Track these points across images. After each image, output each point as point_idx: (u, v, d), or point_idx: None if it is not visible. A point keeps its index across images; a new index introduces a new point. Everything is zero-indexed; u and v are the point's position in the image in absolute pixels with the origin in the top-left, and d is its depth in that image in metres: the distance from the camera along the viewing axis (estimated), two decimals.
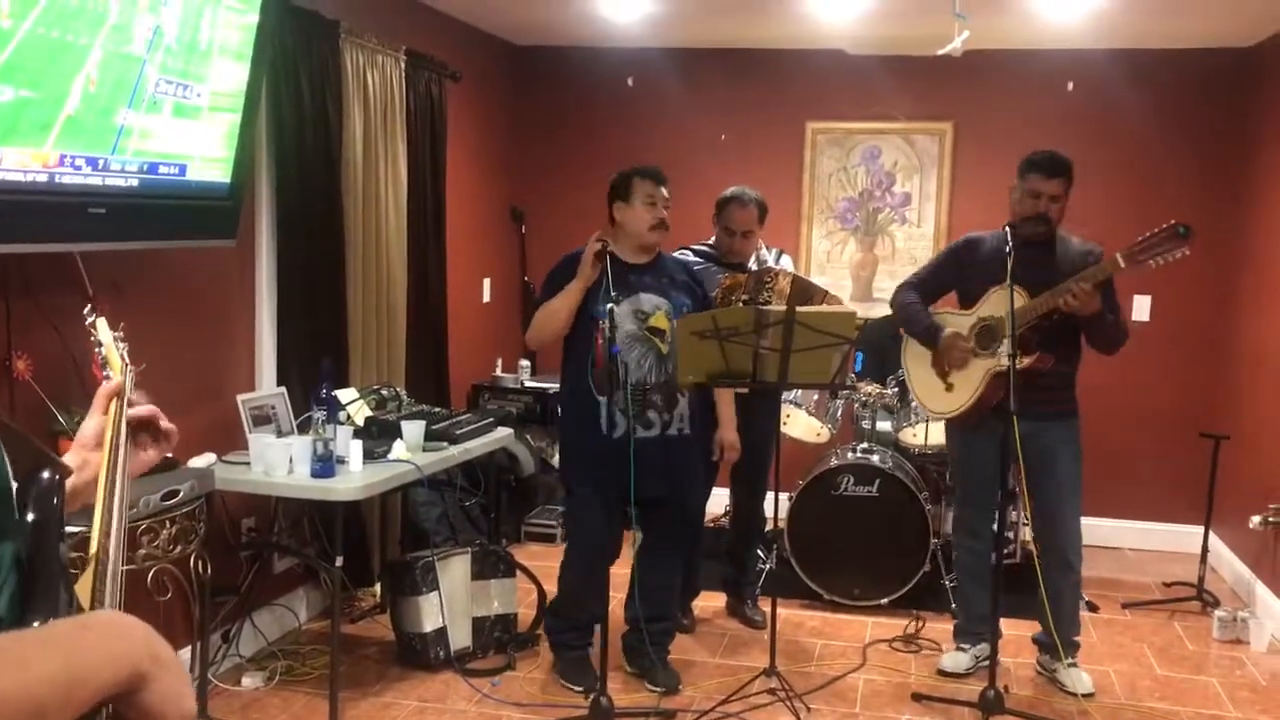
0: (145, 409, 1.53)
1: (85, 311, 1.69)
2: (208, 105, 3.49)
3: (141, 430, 1.55)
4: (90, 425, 1.52)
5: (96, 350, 1.60)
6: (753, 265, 4.51)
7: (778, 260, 4.68)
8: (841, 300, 4.45)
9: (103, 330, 1.61)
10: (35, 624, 1.13)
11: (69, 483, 1.36)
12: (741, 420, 4.50)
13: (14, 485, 1.20)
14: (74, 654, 0.96)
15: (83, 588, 1.29)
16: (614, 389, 3.67)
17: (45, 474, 1.23)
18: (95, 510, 1.36)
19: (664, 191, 3.95)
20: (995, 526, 4.44)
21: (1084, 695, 4.07)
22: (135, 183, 3.20)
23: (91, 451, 1.49)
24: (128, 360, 1.57)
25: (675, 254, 4.62)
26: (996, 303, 3.97)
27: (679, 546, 4.19)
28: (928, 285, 4.25)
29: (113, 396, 1.50)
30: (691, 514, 4.23)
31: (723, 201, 4.55)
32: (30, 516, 1.20)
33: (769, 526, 5.02)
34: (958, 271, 4.19)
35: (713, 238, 4.64)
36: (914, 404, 4.55)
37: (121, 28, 3.06)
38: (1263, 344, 5.23)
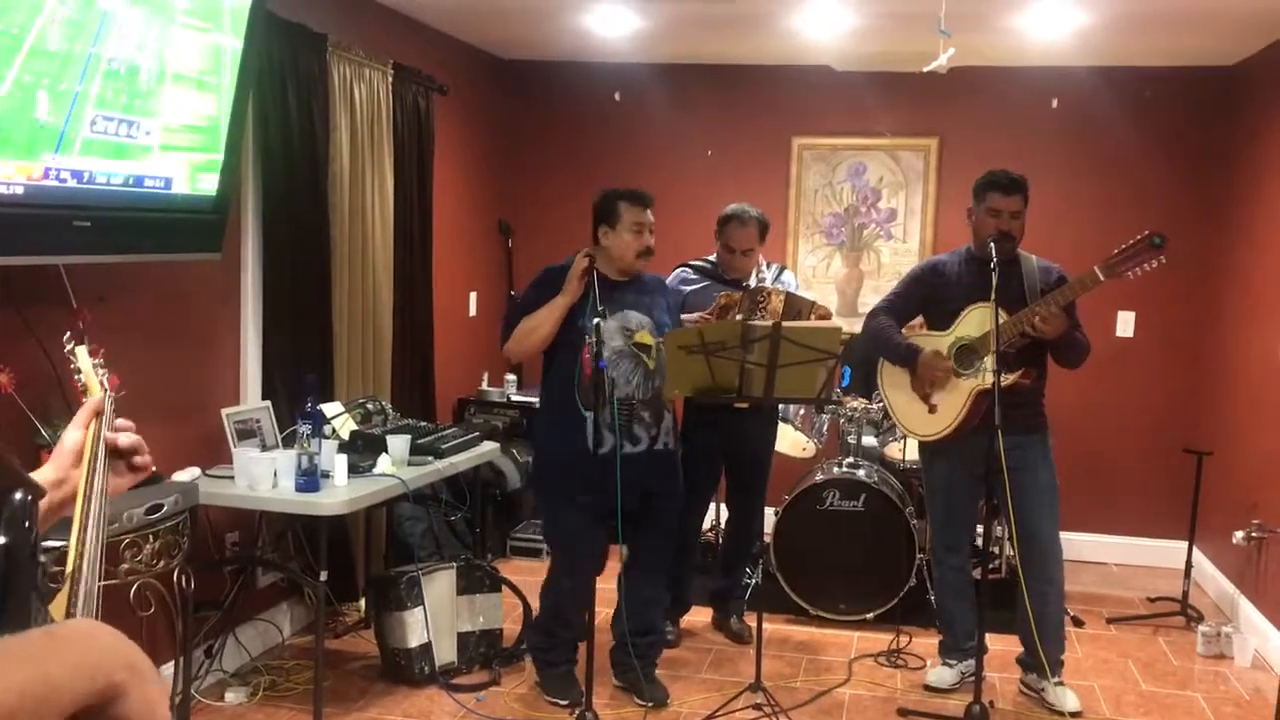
0: (129, 439, 1.50)
1: (65, 338, 1.68)
2: (158, 144, 3.30)
3: (119, 458, 1.52)
4: (70, 439, 1.49)
5: (76, 377, 1.58)
6: (752, 282, 4.52)
7: (778, 276, 4.70)
8: (830, 311, 4.47)
9: (82, 357, 1.60)
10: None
11: (47, 498, 1.34)
12: (739, 434, 4.52)
13: None
14: (45, 663, 0.95)
15: (58, 606, 1.28)
16: (600, 403, 3.67)
17: (18, 495, 1.21)
18: (72, 530, 1.35)
19: (650, 216, 3.95)
20: (976, 542, 4.46)
21: (1071, 714, 4.07)
22: (120, 195, 3.18)
23: (71, 468, 1.46)
24: (107, 386, 1.55)
25: (676, 270, 4.64)
26: (973, 322, 4.00)
27: (665, 559, 4.19)
28: (899, 309, 4.26)
29: (95, 414, 1.48)
30: (675, 526, 4.22)
31: (723, 219, 4.56)
32: (1, 539, 1.18)
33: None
34: (925, 295, 4.21)
35: (714, 254, 4.64)
36: (897, 429, 4.56)
37: (44, 54, 2.82)
38: (1246, 360, 5.26)
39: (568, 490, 3.91)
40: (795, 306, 4.32)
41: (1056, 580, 4.14)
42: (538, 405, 4.22)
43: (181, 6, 3.31)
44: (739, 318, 4.20)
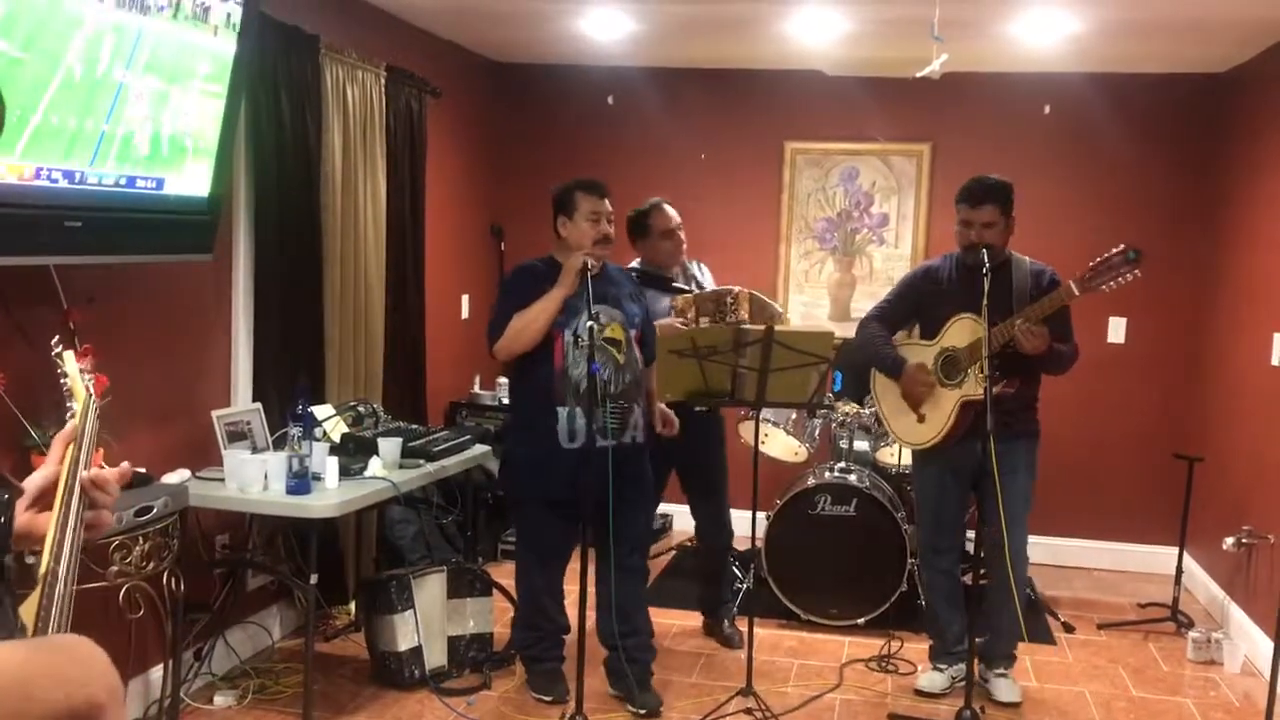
0: (106, 473, 1.43)
1: (53, 341, 1.66)
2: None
3: (93, 491, 1.43)
4: (39, 477, 1.42)
5: (62, 381, 1.57)
6: (681, 283, 4.60)
7: (700, 270, 4.80)
8: (783, 317, 4.53)
9: (69, 361, 1.58)
10: None
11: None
12: (693, 438, 4.48)
13: None
14: (26, 671, 0.95)
15: (29, 608, 1.26)
16: (594, 405, 3.67)
17: None
18: (49, 530, 1.33)
19: (607, 205, 3.95)
20: (966, 547, 4.46)
21: (1007, 703, 4.17)
22: (112, 196, 3.17)
23: (26, 507, 1.38)
24: (92, 391, 1.54)
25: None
26: (957, 333, 4.01)
27: (641, 557, 4.17)
28: (890, 317, 4.28)
29: (69, 442, 1.42)
30: (651, 524, 4.20)
31: (643, 214, 4.61)
32: None
33: (747, 545, 5.02)
34: (918, 300, 4.22)
35: (637, 260, 4.66)
36: (889, 436, 4.57)
37: (51, 134, 2.87)
38: (1236, 366, 5.27)
39: (537, 487, 3.93)
40: (762, 307, 4.37)
41: (1019, 574, 4.17)
42: (508, 404, 4.20)
43: (203, 72, 3.37)
44: (706, 321, 4.25)
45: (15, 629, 1.24)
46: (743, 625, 4.47)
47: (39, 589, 1.27)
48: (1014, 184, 4.07)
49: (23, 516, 1.39)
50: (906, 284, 4.32)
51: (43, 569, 1.29)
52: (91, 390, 1.53)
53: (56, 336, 1.71)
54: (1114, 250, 3.75)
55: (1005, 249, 4.07)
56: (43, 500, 1.40)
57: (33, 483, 1.43)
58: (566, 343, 3.84)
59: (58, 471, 1.41)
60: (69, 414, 1.51)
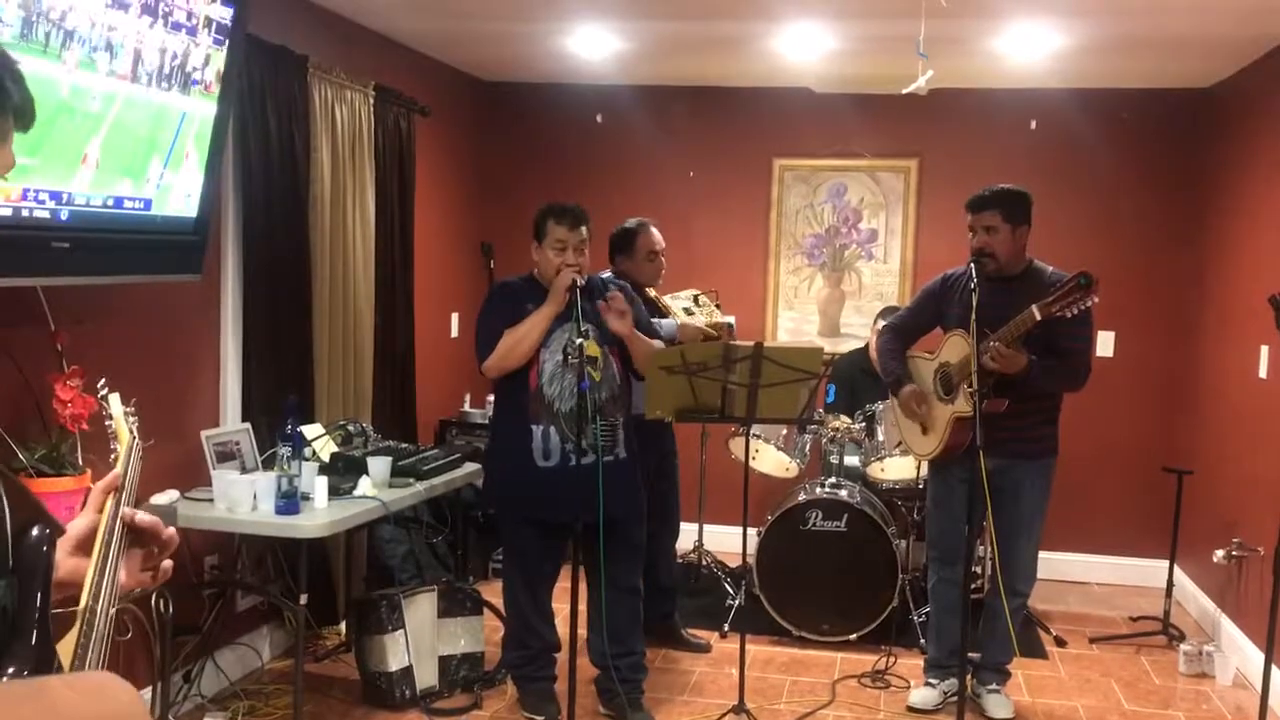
0: (147, 518, 1.44)
1: (99, 384, 1.68)
2: None
3: (136, 543, 1.45)
4: (81, 524, 1.43)
5: (107, 423, 1.58)
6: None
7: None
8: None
9: (114, 404, 1.60)
10: (9, 673, 1.12)
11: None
12: (650, 451, 4.45)
13: (9, 535, 1.19)
14: (53, 711, 0.95)
15: (67, 644, 1.27)
16: (584, 423, 3.66)
17: (35, 530, 1.22)
18: (89, 569, 1.34)
19: (581, 233, 3.88)
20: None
21: (999, 719, 4.20)
22: (99, 217, 3.16)
23: (70, 554, 1.40)
24: (136, 434, 1.55)
25: None
26: (950, 349, 4.05)
27: (632, 576, 4.13)
28: (905, 329, 4.33)
29: (109, 491, 1.43)
30: (640, 541, 4.13)
31: (631, 232, 4.63)
32: (15, 570, 1.19)
33: (738, 562, 5.01)
34: (935, 310, 4.24)
35: (608, 271, 4.57)
36: (900, 444, 4.61)
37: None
38: (1225, 379, 5.29)
39: (517, 505, 3.93)
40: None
41: (1021, 591, 4.19)
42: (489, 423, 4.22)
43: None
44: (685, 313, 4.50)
45: (52, 667, 1.24)
46: (735, 642, 4.46)
47: (77, 626, 1.28)
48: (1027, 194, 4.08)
49: (68, 562, 1.39)
50: (924, 292, 4.37)
51: (81, 606, 1.29)
52: (135, 433, 1.55)
53: (104, 379, 1.73)
54: (1071, 276, 3.76)
55: (1023, 258, 4.09)
56: (85, 548, 1.40)
57: (74, 529, 1.43)
58: (544, 361, 3.83)
59: (97, 520, 1.41)
60: (112, 456, 1.52)
